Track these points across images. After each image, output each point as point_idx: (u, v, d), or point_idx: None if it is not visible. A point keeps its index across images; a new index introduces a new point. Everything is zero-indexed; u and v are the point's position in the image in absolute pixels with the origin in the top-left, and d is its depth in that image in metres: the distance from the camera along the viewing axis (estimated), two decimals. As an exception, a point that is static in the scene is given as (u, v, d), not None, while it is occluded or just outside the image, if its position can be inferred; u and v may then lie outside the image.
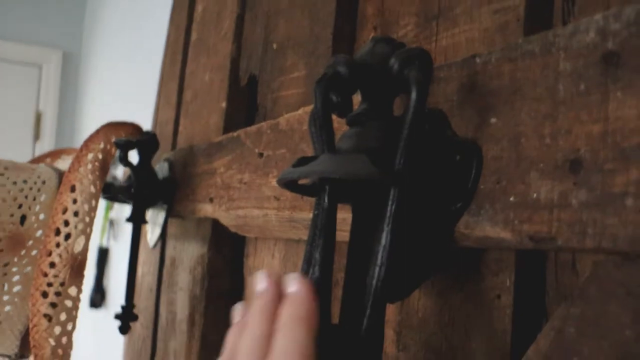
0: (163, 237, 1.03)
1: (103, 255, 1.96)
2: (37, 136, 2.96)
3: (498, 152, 0.38)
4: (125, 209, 1.83)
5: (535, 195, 0.35)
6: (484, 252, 0.42)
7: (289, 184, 0.42)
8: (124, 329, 0.94)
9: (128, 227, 1.89)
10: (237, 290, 0.80)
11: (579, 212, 0.32)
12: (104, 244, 1.96)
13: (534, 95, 0.36)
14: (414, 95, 0.36)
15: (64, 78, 2.98)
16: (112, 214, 1.87)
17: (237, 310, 0.39)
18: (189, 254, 0.91)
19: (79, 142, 2.17)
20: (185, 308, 0.91)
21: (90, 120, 2.75)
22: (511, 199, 0.36)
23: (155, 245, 1.03)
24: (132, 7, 2.14)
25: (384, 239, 0.36)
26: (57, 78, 2.96)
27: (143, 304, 1.08)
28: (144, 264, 1.09)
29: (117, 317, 0.93)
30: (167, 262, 1.01)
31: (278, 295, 0.36)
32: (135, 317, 0.94)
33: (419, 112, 0.36)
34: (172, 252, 0.99)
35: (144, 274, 1.10)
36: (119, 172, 1.55)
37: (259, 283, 0.37)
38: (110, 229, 1.89)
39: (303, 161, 0.40)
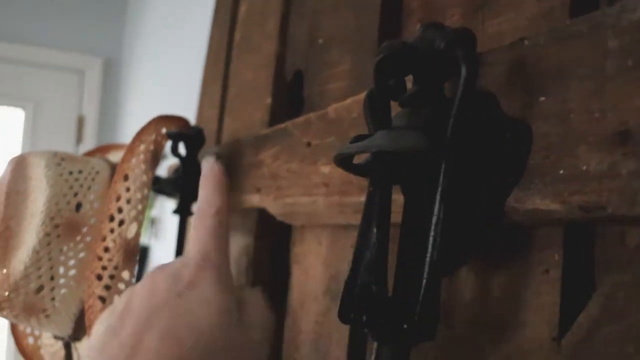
0: (207, 230, 1.06)
1: (143, 253, 2.01)
2: (79, 139, 3.03)
3: (547, 128, 0.39)
4: (166, 208, 1.88)
5: (584, 167, 0.36)
6: (531, 228, 0.43)
7: (344, 162, 0.44)
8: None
9: (169, 226, 1.93)
10: (282, 279, 0.82)
11: (628, 181, 0.34)
12: (145, 242, 2.00)
13: (582, 74, 0.38)
14: (464, 72, 0.38)
15: (105, 83, 3.06)
16: (153, 213, 1.91)
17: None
18: (233, 245, 0.94)
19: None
20: (229, 298, 0.93)
21: (130, 124, 2.81)
22: (560, 172, 0.38)
23: (200, 237, 1.06)
24: (171, 13, 2.19)
25: (438, 210, 0.38)
26: (99, 83, 3.04)
27: (187, 296, 1.10)
28: (188, 257, 1.12)
29: (163, 306, 0.96)
30: (211, 254, 1.04)
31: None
32: (181, 307, 0.97)
33: (469, 89, 0.38)
34: (216, 244, 1.02)
35: (188, 267, 1.13)
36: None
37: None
38: (152, 228, 1.94)
39: (359, 139, 0.42)
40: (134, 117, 2.75)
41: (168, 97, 2.12)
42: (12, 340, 0.98)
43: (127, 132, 2.83)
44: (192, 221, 0.50)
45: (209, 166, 0.52)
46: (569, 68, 0.39)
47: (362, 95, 0.58)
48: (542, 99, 0.40)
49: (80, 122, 3.02)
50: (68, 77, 3.03)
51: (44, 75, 2.98)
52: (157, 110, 2.18)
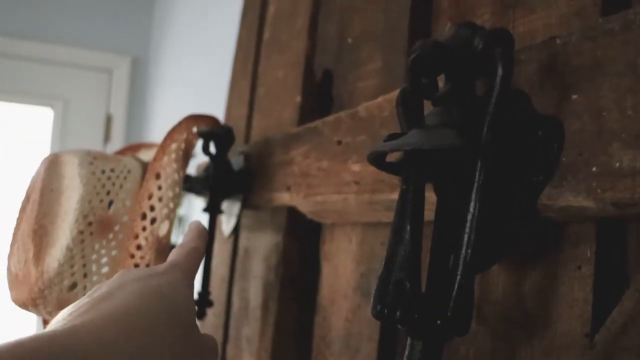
0: (236, 228, 1.07)
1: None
2: (107, 138, 3.08)
3: (579, 126, 0.40)
4: (194, 207, 1.90)
5: (617, 164, 0.36)
6: (563, 225, 0.44)
7: (377, 160, 0.45)
8: (200, 315, 0.99)
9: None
10: (311, 277, 0.83)
11: (661, 178, 0.34)
12: (173, 240, 2.02)
13: (614, 71, 0.38)
14: (500, 71, 0.39)
15: (132, 82, 3.10)
16: (181, 211, 1.93)
17: None
18: (263, 243, 0.95)
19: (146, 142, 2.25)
20: (258, 296, 0.94)
21: (158, 122, 2.84)
22: (593, 169, 0.38)
23: (230, 234, 1.08)
24: (198, 12, 2.21)
25: (473, 208, 0.39)
26: (127, 83, 3.08)
27: (215, 293, 1.12)
28: (216, 254, 1.14)
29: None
30: (241, 252, 1.05)
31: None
32: (211, 303, 0.99)
33: (505, 88, 0.39)
34: (246, 242, 1.04)
35: (217, 265, 1.14)
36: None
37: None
38: (179, 226, 1.96)
39: (393, 137, 0.43)
40: (161, 115, 2.78)
41: (195, 96, 2.14)
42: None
43: (155, 130, 2.86)
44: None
45: (195, 224, 0.59)
46: (601, 66, 0.39)
47: (393, 94, 0.59)
48: (575, 96, 0.40)
49: (108, 121, 3.07)
50: (96, 76, 3.07)
51: (72, 74, 3.03)
52: (184, 109, 2.21)
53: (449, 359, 0.51)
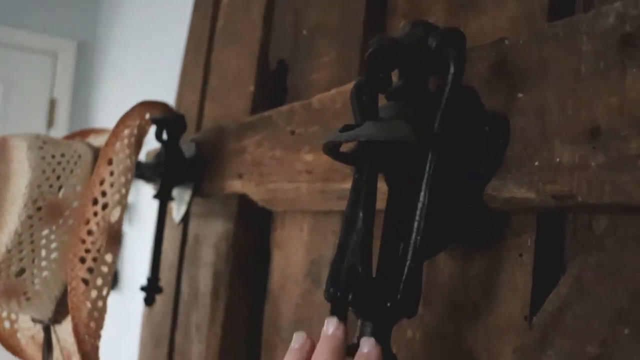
0: (187, 215, 1.07)
1: (117, 238, 2.00)
2: (50, 123, 3.01)
3: (524, 123, 0.42)
4: (142, 194, 1.88)
5: (557, 159, 0.39)
6: (507, 215, 0.47)
7: (332, 150, 0.47)
8: (149, 301, 0.99)
9: (144, 212, 1.94)
10: (262, 264, 0.84)
11: (597, 173, 0.37)
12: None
13: (558, 74, 0.41)
14: (452, 69, 0.41)
15: (78, 66, 3.03)
16: (129, 198, 1.91)
17: (299, 338, 0.45)
18: (213, 231, 0.96)
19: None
20: (208, 282, 0.95)
21: (104, 108, 2.80)
22: (536, 163, 0.41)
23: (180, 221, 1.08)
24: (149, -2, 2.18)
25: (423, 197, 0.41)
26: (72, 66, 3.01)
27: (164, 279, 1.12)
28: (166, 241, 1.13)
29: (142, 289, 0.98)
30: (190, 239, 1.06)
31: (345, 343, 0.43)
32: (160, 290, 0.99)
33: (456, 85, 0.41)
34: (196, 229, 1.04)
35: (166, 252, 1.14)
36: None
37: (331, 326, 0.43)
38: (126, 214, 1.94)
39: (347, 128, 0.45)
40: (108, 101, 2.73)
41: (144, 82, 2.11)
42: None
43: (101, 116, 2.81)
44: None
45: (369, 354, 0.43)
46: (546, 68, 0.42)
47: (347, 87, 0.61)
48: (521, 95, 0.43)
49: (52, 105, 2.99)
50: (40, 60, 2.99)
51: (15, 56, 2.94)
52: (131, 95, 2.18)
53: (397, 342, 0.54)
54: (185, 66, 1.25)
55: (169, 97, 1.27)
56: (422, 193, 0.41)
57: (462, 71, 0.42)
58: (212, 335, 0.91)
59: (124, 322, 1.84)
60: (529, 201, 0.41)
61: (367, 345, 0.42)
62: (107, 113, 2.71)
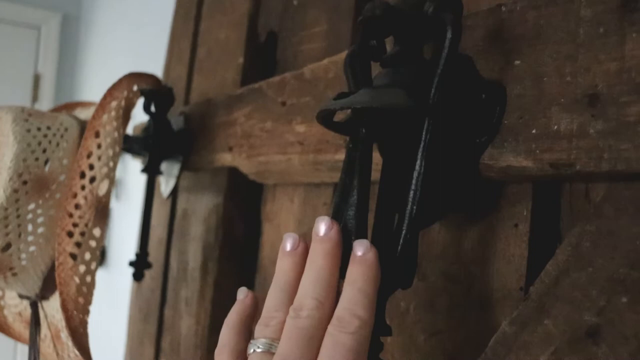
0: (175, 189, 1.06)
1: (104, 214, 1.99)
2: (35, 98, 2.97)
3: (521, 90, 0.41)
4: (129, 169, 1.86)
5: (555, 127, 0.39)
6: (502, 185, 0.46)
7: (325, 119, 0.46)
8: (138, 276, 0.98)
9: (131, 187, 1.93)
10: (252, 237, 0.84)
11: (596, 140, 0.36)
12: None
13: (556, 39, 0.40)
14: (449, 34, 0.40)
15: (63, 40, 2.99)
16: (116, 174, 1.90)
17: (290, 239, 0.42)
18: (202, 205, 0.95)
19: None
20: (198, 257, 0.95)
21: (89, 82, 2.76)
22: (533, 131, 0.40)
23: (169, 196, 1.07)
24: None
25: (419, 165, 0.40)
26: (56, 40, 2.96)
27: (153, 255, 1.11)
28: (154, 216, 1.13)
29: (131, 264, 0.97)
30: (179, 213, 1.05)
31: (341, 244, 0.41)
32: (149, 265, 0.98)
33: (453, 51, 0.40)
34: (185, 204, 1.03)
35: (154, 226, 1.13)
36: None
37: (322, 225, 0.40)
38: (114, 189, 1.93)
39: (342, 96, 0.44)
40: (94, 75, 2.69)
41: (130, 55, 2.08)
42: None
43: (86, 91, 2.78)
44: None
45: (366, 256, 0.38)
46: (543, 34, 0.41)
47: (339, 56, 0.60)
48: (517, 62, 0.42)
49: (37, 80, 2.95)
50: (23, 33, 2.94)
51: (-3, 30, 2.90)
52: (117, 68, 2.15)
53: (390, 314, 0.53)
54: (173, 38, 1.23)
55: (156, 69, 1.25)
56: (418, 162, 0.40)
57: (460, 37, 0.41)
58: (202, 309, 0.91)
59: (112, 298, 1.84)
60: (526, 170, 0.40)
61: (362, 248, 0.38)
62: (93, 88, 2.67)
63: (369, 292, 0.38)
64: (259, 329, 0.40)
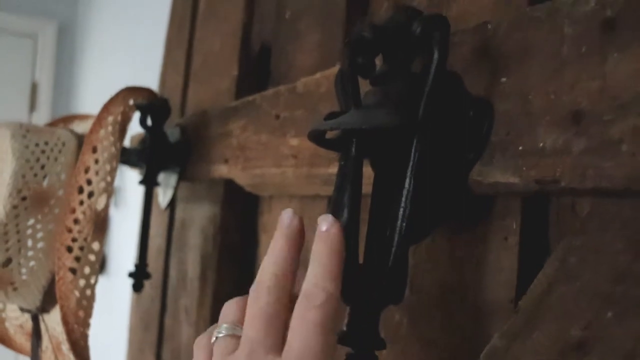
0: (173, 200, 1.07)
1: (104, 222, 2.00)
2: (32, 107, 2.97)
3: (508, 107, 0.42)
4: (126, 177, 1.87)
5: (541, 144, 0.39)
6: (492, 199, 0.47)
7: (317, 138, 0.47)
8: (137, 287, 0.99)
9: (129, 195, 1.93)
10: (249, 248, 0.85)
11: (580, 158, 0.37)
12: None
13: (540, 57, 0.41)
14: (436, 54, 0.41)
15: (59, 49, 3.00)
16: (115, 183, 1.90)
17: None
18: (200, 215, 0.96)
19: (75, 112, 2.19)
20: (196, 266, 0.95)
21: (86, 91, 2.77)
22: (520, 148, 0.41)
23: (167, 207, 1.08)
24: (129, -22, 2.15)
25: (408, 183, 0.41)
26: (53, 49, 2.97)
27: (152, 265, 1.12)
28: (153, 226, 1.13)
29: (130, 275, 0.98)
30: (177, 224, 1.06)
31: (302, 230, 0.42)
32: (148, 275, 0.99)
33: (440, 70, 0.41)
34: (182, 214, 1.04)
35: (153, 237, 1.14)
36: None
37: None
38: (114, 198, 1.93)
39: (332, 116, 0.45)
40: (91, 84, 2.70)
41: (126, 63, 2.09)
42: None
43: (83, 99, 2.79)
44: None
45: (328, 231, 0.40)
46: (528, 51, 0.42)
47: (331, 71, 0.61)
48: (504, 79, 0.43)
49: (34, 89, 2.96)
50: (20, 42, 2.95)
51: (-7, 39, 2.91)
52: (114, 77, 2.15)
53: (385, 326, 0.54)
54: (168, 47, 1.24)
55: (152, 78, 1.26)
56: (407, 179, 0.41)
57: (446, 56, 0.42)
58: (201, 318, 0.92)
59: (112, 306, 1.84)
60: (513, 186, 0.41)
61: (325, 223, 0.39)
62: (90, 96, 2.68)
63: (333, 266, 0.39)
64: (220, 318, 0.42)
